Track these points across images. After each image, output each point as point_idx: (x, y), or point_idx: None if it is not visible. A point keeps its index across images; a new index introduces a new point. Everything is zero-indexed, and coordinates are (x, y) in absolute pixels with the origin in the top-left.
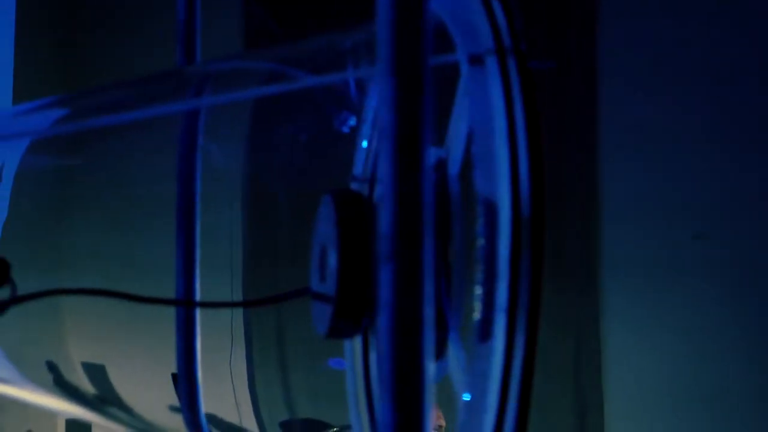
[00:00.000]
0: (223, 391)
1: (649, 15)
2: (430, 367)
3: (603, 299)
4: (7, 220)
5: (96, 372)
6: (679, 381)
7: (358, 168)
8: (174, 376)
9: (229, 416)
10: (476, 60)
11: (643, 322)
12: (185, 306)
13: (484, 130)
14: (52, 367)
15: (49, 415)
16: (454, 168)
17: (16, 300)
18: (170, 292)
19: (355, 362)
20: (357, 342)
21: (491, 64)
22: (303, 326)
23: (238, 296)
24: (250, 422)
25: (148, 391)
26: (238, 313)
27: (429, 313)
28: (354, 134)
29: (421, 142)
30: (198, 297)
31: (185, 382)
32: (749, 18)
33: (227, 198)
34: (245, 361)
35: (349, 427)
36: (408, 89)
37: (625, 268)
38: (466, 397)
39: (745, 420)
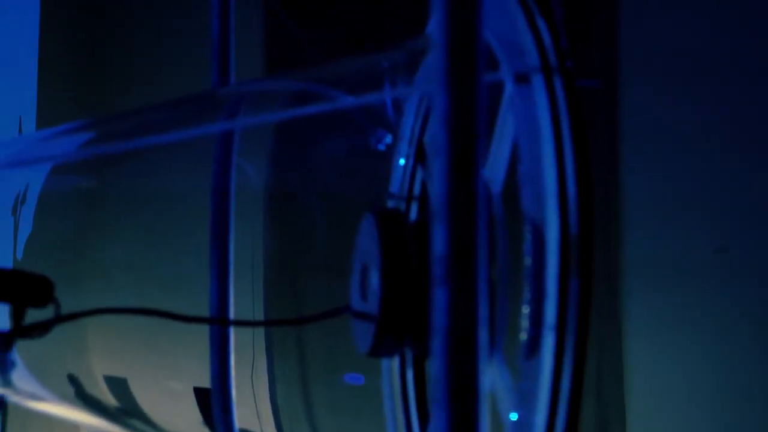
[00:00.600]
0: (245, 404)
1: (673, 16)
2: (485, 389)
3: (624, 310)
4: (33, 238)
5: (118, 385)
6: (701, 393)
7: (395, 186)
8: (196, 391)
9: (252, 429)
10: (522, 78)
11: (665, 334)
12: (221, 325)
13: (531, 150)
14: (73, 380)
15: (72, 426)
16: (496, 187)
17: (60, 319)
18: (199, 309)
19: (393, 380)
20: (394, 359)
21: (537, 82)
22: (324, 341)
23: (259, 311)
24: None
25: (172, 404)
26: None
27: (484, 336)
28: (389, 152)
29: (475, 160)
30: (232, 315)
31: (219, 398)
32: None
33: (251, 214)
34: (266, 374)
35: None
36: (462, 106)
37: (646, 280)
38: (514, 417)
39: None
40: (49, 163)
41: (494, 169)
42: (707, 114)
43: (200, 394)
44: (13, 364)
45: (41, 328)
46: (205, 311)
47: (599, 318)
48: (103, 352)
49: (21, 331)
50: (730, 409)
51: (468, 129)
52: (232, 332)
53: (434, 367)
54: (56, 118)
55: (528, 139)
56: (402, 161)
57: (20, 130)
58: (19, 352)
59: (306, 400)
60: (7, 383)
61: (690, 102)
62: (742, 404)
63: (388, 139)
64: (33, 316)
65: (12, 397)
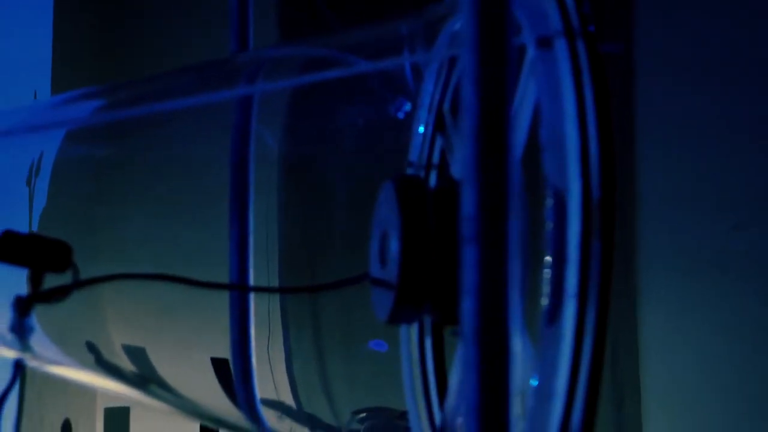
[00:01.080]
0: (262, 375)
1: (691, 6)
2: (516, 349)
3: (640, 291)
4: (48, 206)
5: (137, 354)
6: (717, 374)
7: (414, 154)
8: (214, 362)
9: (271, 409)
10: (544, 43)
11: (681, 314)
12: (240, 290)
13: (553, 114)
14: (92, 348)
15: (88, 403)
16: (517, 152)
17: (79, 284)
18: (219, 278)
19: (411, 348)
20: (413, 328)
21: (560, 46)
22: (340, 312)
23: (274, 281)
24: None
25: (191, 373)
26: (275, 299)
27: (515, 296)
28: (408, 120)
29: (505, 118)
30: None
31: (239, 366)
32: None
33: (266, 184)
34: (282, 346)
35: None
36: (492, 65)
37: (662, 260)
38: (534, 382)
39: None
40: (63, 129)
41: (515, 134)
42: (723, 95)
43: (218, 364)
44: (31, 329)
45: (60, 293)
46: (224, 280)
47: (614, 298)
48: (121, 321)
49: (39, 296)
50: (745, 390)
51: (498, 87)
52: (252, 300)
53: (464, 328)
54: (71, 89)
55: (550, 103)
56: (421, 129)
57: None
58: (37, 320)
59: (322, 370)
60: (26, 348)
61: (706, 83)
62: (758, 384)
63: (408, 107)
64: (51, 282)
65: (30, 362)
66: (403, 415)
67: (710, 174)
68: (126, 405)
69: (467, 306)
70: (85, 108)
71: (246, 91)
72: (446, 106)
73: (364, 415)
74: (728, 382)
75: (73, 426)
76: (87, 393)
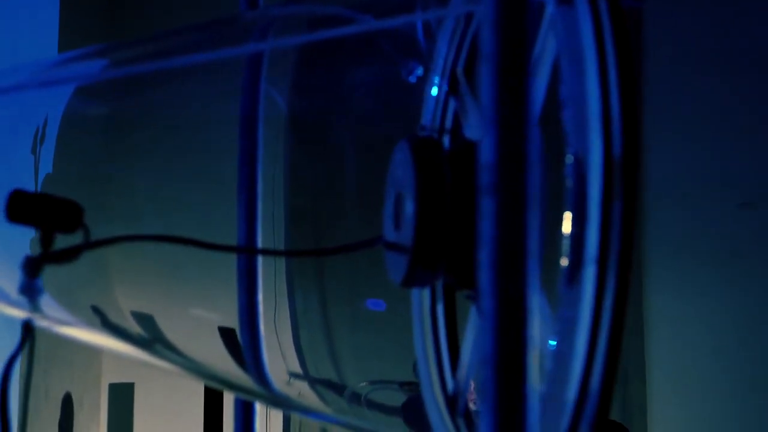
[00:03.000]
0: (269, 346)
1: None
2: (535, 303)
3: (646, 268)
4: (54, 169)
5: (144, 318)
6: (723, 353)
7: (427, 118)
8: (221, 330)
9: (278, 371)
10: None
11: (686, 294)
12: (248, 253)
13: (573, 70)
14: (98, 311)
15: (93, 379)
16: (536, 109)
17: (89, 245)
18: (227, 240)
19: (423, 315)
20: (425, 296)
21: (581, 1)
22: (345, 283)
23: (280, 244)
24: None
25: (199, 336)
26: (281, 270)
27: (534, 248)
28: (420, 84)
29: (525, 66)
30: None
31: (246, 330)
32: None
33: (274, 144)
34: (288, 318)
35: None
36: (511, 12)
37: (669, 241)
38: (552, 344)
39: None
40: (71, 85)
41: (533, 92)
42: (728, 79)
43: (225, 333)
44: (40, 290)
45: (70, 254)
46: (233, 242)
47: None
48: (128, 282)
49: (49, 256)
50: (751, 369)
51: (517, 34)
52: (260, 262)
53: (481, 279)
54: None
55: (570, 60)
56: (434, 92)
57: None
58: (45, 282)
59: (329, 338)
60: (36, 308)
61: (712, 67)
62: (764, 364)
63: (419, 71)
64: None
65: (39, 322)
66: (406, 384)
67: (717, 154)
68: (130, 381)
69: (484, 256)
70: (93, 65)
71: (255, 47)
72: (460, 68)
73: (366, 385)
74: (733, 362)
75: (79, 401)
76: (92, 368)
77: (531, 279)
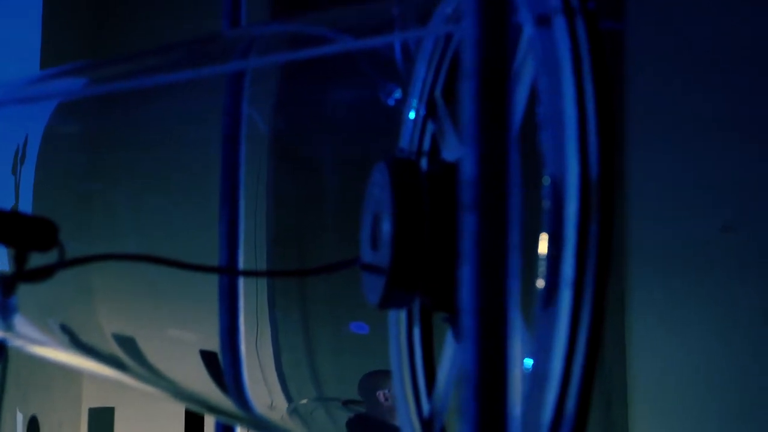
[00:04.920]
0: (251, 370)
1: (681, 3)
2: (516, 318)
3: (628, 290)
4: (35, 187)
5: (126, 342)
6: (705, 372)
7: (405, 140)
8: (203, 354)
9: (260, 394)
10: (543, 20)
11: (668, 313)
12: (229, 274)
13: (551, 92)
14: (72, 331)
15: (74, 402)
16: (513, 129)
17: (64, 264)
18: (209, 261)
19: (400, 338)
20: (402, 319)
21: (559, 23)
22: (329, 297)
23: (262, 265)
24: (279, 399)
25: (179, 358)
26: (263, 294)
27: (515, 263)
28: (398, 107)
29: (506, 83)
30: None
31: (228, 352)
32: None
33: (256, 166)
34: (270, 341)
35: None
36: (492, 31)
37: (651, 259)
38: (528, 363)
39: None
40: (50, 104)
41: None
42: (712, 95)
43: (207, 357)
44: (15, 309)
45: (44, 273)
46: (214, 263)
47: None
48: (111, 306)
49: (23, 275)
50: (736, 388)
51: (498, 52)
52: (242, 284)
53: (463, 295)
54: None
55: (548, 81)
56: (412, 115)
57: None
58: (25, 302)
59: (312, 364)
60: (9, 328)
61: (696, 83)
62: (746, 384)
63: (398, 93)
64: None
65: (14, 342)
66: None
67: (699, 176)
68: (110, 405)
69: (465, 272)
70: (74, 83)
71: (237, 66)
72: (438, 91)
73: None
74: (716, 383)
75: (58, 425)
76: (72, 393)
77: (512, 296)
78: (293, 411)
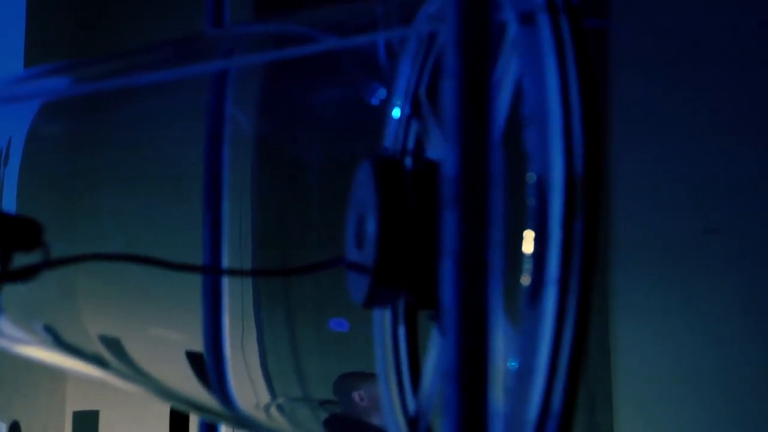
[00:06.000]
0: (237, 371)
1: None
2: (498, 313)
3: (612, 290)
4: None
5: (112, 343)
6: (690, 374)
7: (389, 139)
8: (188, 355)
9: (245, 393)
10: (527, 18)
11: (653, 315)
12: (213, 273)
13: (535, 90)
14: (57, 332)
15: (58, 405)
16: (498, 129)
17: (49, 264)
18: (193, 261)
19: (385, 338)
20: (386, 318)
21: (543, 21)
22: (314, 296)
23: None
24: (264, 398)
25: (165, 358)
26: (248, 296)
27: (497, 259)
28: (383, 107)
29: (487, 81)
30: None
31: (211, 351)
32: None
33: (239, 164)
34: (256, 341)
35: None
36: (475, 29)
37: (635, 259)
38: (513, 365)
39: (760, 412)
40: (34, 104)
41: (496, 111)
42: (695, 96)
43: (193, 358)
44: (0, 310)
45: (28, 273)
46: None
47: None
48: (95, 306)
49: (7, 275)
50: (721, 388)
51: (481, 50)
52: (226, 284)
53: (444, 293)
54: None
55: (533, 80)
56: (397, 114)
57: None
58: (6, 304)
59: (297, 365)
60: None
61: (680, 83)
62: (733, 381)
63: (382, 93)
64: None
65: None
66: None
67: (682, 177)
68: (95, 408)
69: (447, 268)
70: (56, 83)
71: (219, 65)
72: (422, 90)
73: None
74: (701, 383)
75: (43, 429)
76: (56, 396)
77: (494, 291)
78: (275, 409)
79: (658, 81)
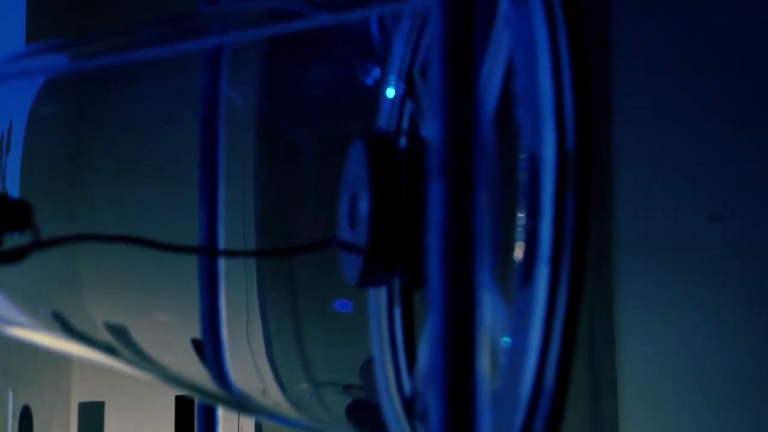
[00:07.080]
0: (242, 358)
1: None
2: (485, 284)
3: (616, 280)
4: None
5: (117, 330)
6: (695, 363)
7: (383, 120)
8: (194, 342)
9: (251, 381)
10: None
11: (658, 303)
12: (209, 255)
13: (527, 66)
14: (60, 317)
15: (63, 396)
16: (490, 105)
17: (38, 245)
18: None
19: (381, 320)
20: (382, 299)
21: None
22: (317, 275)
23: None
24: (271, 386)
25: (167, 342)
26: (252, 283)
27: (483, 229)
28: (377, 86)
29: (472, 48)
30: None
31: (209, 335)
32: None
33: (239, 147)
34: (261, 330)
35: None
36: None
37: (639, 248)
38: (506, 342)
39: (765, 401)
40: (32, 87)
41: (487, 88)
42: (701, 81)
43: (198, 344)
44: None
45: (17, 254)
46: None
47: (591, 287)
48: (100, 293)
49: None
50: (725, 377)
51: (466, 16)
52: (223, 264)
53: (431, 266)
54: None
55: (523, 55)
56: (390, 93)
57: None
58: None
59: (302, 351)
60: None
61: (684, 69)
62: (737, 374)
63: (377, 73)
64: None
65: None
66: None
67: (686, 163)
68: (101, 400)
69: (432, 239)
70: (49, 61)
71: (211, 42)
72: (416, 69)
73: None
74: (706, 373)
75: (48, 420)
76: (61, 387)
77: (481, 261)
78: (290, 397)
79: (662, 70)
